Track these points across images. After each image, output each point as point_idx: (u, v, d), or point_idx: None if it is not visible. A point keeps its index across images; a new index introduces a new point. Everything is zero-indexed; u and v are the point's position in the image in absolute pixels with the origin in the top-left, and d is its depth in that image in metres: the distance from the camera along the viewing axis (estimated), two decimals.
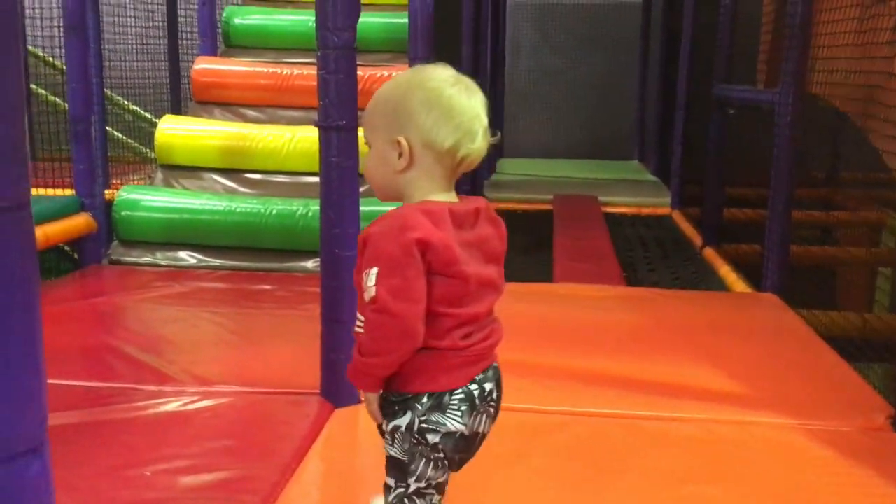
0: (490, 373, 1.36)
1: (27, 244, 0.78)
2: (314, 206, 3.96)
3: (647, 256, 4.68)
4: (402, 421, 1.32)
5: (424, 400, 1.31)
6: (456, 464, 1.36)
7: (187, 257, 3.98)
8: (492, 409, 1.36)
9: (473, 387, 1.32)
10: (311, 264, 3.94)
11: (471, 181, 5.66)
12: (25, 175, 0.77)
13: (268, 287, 3.64)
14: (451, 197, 1.35)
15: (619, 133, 9.33)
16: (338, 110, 2.25)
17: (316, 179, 4.09)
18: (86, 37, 3.68)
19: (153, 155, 7.85)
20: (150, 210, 4.03)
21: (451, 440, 1.31)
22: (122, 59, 7.32)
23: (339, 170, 2.28)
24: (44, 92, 7.50)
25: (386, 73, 4.71)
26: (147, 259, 3.97)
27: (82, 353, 2.84)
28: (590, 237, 4.91)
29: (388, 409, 1.35)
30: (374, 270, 1.26)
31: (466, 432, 1.31)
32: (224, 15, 5.37)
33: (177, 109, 6.19)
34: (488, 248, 1.37)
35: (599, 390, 2.50)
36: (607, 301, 3.52)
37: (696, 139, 5.87)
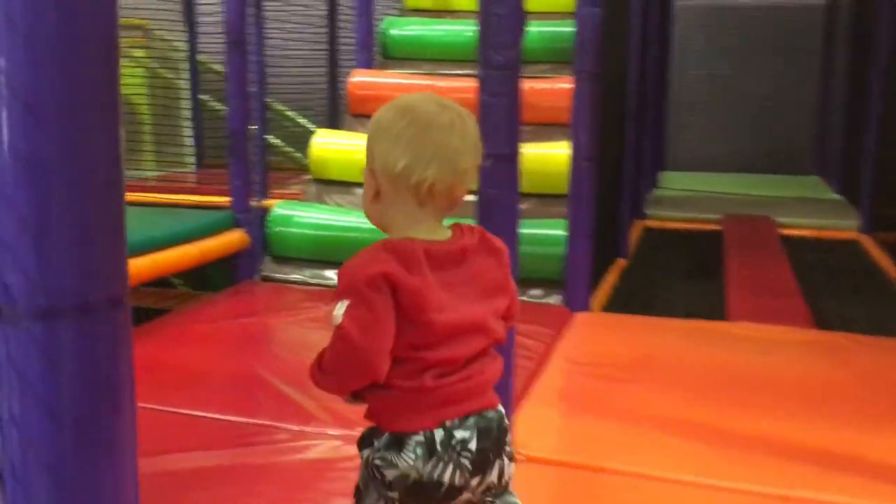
0: (470, 421, 1.27)
1: None
2: None
3: (833, 290, 4.16)
4: (364, 452, 1.31)
5: (384, 437, 1.27)
6: None
7: (334, 276, 3.88)
8: (465, 461, 1.26)
9: (439, 433, 1.25)
10: None
11: (631, 197, 5.30)
12: None
13: None
14: (434, 233, 1.28)
15: (796, 146, 8.60)
16: (498, 137, 2.01)
17: (470, 198, 3.94)
18: (244, 51, 3.65)
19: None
20: (302, 226, 3.97)
21: (403, 483, 1.25)
22: (285, 70, 7.47)
23: (497, 203, 2.04)
24: (217, 104, 7.80)
25: (546, 86, 4.46)
26: (297, 276, 3.91)
27: (228, 380, 2.77)
28: (767, 265, 4.43)
29: (362, 436, 1.33)
30: (345, 303, 1.21)
31: (423, 479, 1.24)
32: (381, 26, 5.29)
33: (335, 122, 6.20)
34: (485, 283, 1.31)
35: (789, 466, 2.13)
36: (793, 347, 3.10)
37: (891, 155, 5.23)
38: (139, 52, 8.66)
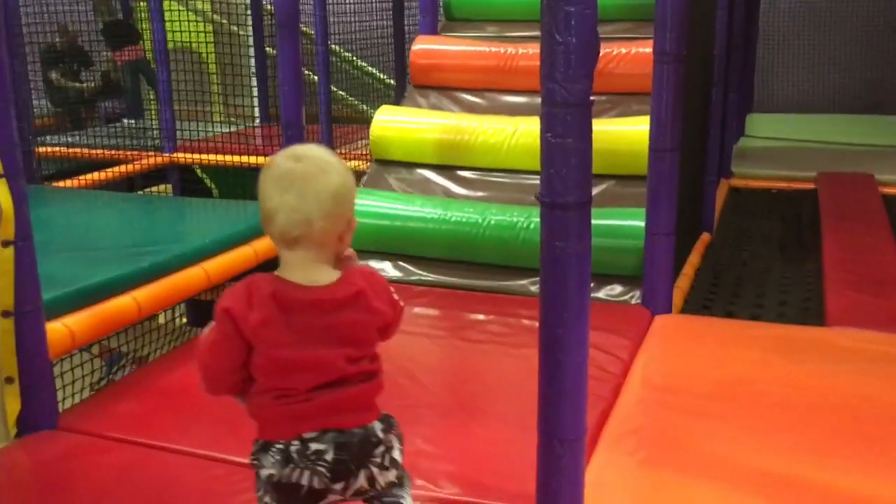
0: (328, 436, 1.46)
1: None
2: (535, 218, 3.49)
3: None
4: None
5: (257, 443, 1.51)
6: None
7: (392, 269, 3.68)
8: (322, 469, 1.45)
9: (295, 444, 1.46)
10: (531, 285, 3.50)
11: (719, 149, 4.88)
12: None
13: (481, 317, 3.23)
14: (310, 275, 1.47)
15: None
16: (565, 183, 1.74)
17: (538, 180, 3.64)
18: (295, 34, 3.39)
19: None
20: (359, 215, 3.74)
21: (269, 481, 1.48)
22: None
23: (564, 257, 1.77)
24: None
25: (624, 51, 4.07)
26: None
27: None
28: (873, 245, 4.02)
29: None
30: (211, 324, 1.48)
31: (282, 480, 1.46)
32: None
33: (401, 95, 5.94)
34: (343, 333, 1.48)
35: None
36: None
37: None
38: (203, 5, 8.49)
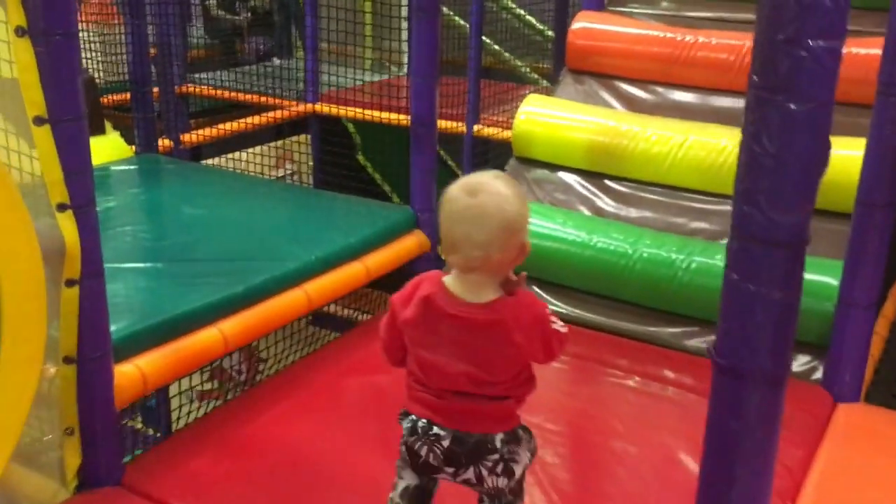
0: (444, 432, 1.62)
1: None
2: (697, 257, 2.92)
3: None
4: None
5: (404, 408, 1.69)
6: (411, 468, 1.69)
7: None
8: (437, 451, 1.63)
9: (423, 421, 1.64)
10: (684, 337, 2.95)
11: None
12: None
13: (618, 373, 2.74)
14: (466, 292, 1.56)
15: None
16: (752, 348, 1.22)
17: (709, 205, 3.04)
18: (434, 24, 2.92)
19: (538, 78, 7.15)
20: None
21: (403, 441, 1.68)
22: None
23: (738, 440, 1.26)
24: None
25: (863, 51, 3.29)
26: None
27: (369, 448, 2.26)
28: None
29: None
30: None
31: (408, 444, 1.66)
32: None
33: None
34: (468, 353, 1.58)
35: None
36: None
37: None
38: None
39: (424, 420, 1.62)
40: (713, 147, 3.21)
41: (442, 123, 5.23)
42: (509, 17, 7.70)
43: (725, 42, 3.54)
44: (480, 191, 1.51)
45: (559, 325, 1.62)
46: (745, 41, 3.48)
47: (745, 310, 1.19)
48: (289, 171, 6.45)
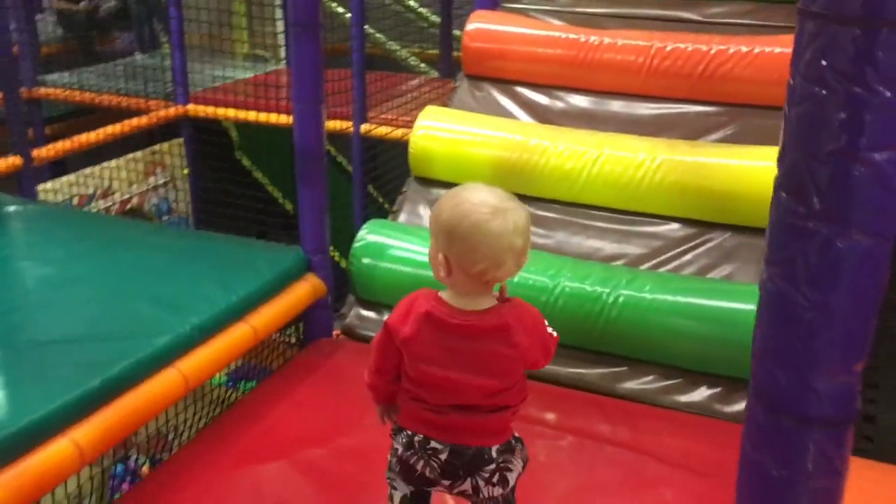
0: (442, 446, 1.63)
1: None
2: (625, 290, 2.65)
3: None
4: None
5: (397, 424, 1.71)
6: (405, 479, 1.69)
7: None
8: (434, 464, 1.64)
9: (419, 436, 1.65)
10: (614, 379, 2.69)
11: None
12: None
13: (547, 431, 2.44)
14: (468, 302, 1.57)
15: None
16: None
17: (630, 226, 2.78)
18: (315, 41, 2.52)
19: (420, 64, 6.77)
20: (388, 260, 2.94)
21: (395, 455, 1.69)
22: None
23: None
24: None
25: (745, 49, 3.11)
26: None
27: None
28: None
29: None
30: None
31: (403, 459, 1.67)
32: None
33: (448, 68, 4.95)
34: (482, 361, 1.58)
35: None
36: None
37: None
38: None
39: (421, 435, 1.64)
40: (630, 162, 2.95)
41: (328, 124, 4.82)
42: (391, 3, 7.28)
43: (632, 43, 3.27)
44: (501, 205, 1.52)
45: (551, 329, 1.67)
46: (652, 41, 3.24)
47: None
48: (161, 181, 5.89)
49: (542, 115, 3.38)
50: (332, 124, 4.67)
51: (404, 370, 1.63)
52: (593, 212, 3.04)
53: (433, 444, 1.62)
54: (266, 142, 6.15)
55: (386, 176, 5.87)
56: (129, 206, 5.64)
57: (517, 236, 1.52)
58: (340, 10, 6.60)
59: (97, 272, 2.63)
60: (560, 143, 3.07)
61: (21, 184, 4.90)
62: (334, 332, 3.01)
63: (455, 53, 6.63)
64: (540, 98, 3.43)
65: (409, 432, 1.65)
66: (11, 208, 3.19)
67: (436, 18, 6.72)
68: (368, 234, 2.99)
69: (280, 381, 2.66)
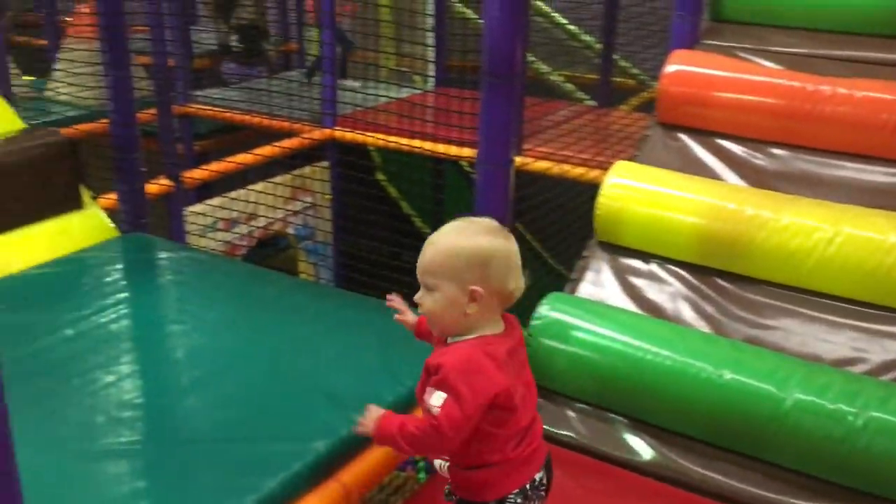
0: (542, 471, 1.66)
1: None
2: (878, 412, 2.12)
3: None
4: None
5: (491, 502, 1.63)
6: None
7: (637, 446, 2.42)
8: (542, 493, 1.66)
9: (527, 484, 1.62)
10: None
11: None
12: None
13: None
14: (498, 327, 1.63)
15: None
16: None
17: (873, 323, 2.28)
18: (510, 94, 2.13)
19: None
20: (582, 345, 2.51)
21: None
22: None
23: None
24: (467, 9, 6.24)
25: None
26: (567, 432, 2.51)
27: None
28: None
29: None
30: (442, 396, 1.52)
31: None
32: None
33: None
34: (521, 357, 1.67)
35: None
36: None
37: None
38: None
39: (534, 479, 1.64)
40: (877, 245, 2.42)
41: (463, 151, 4.44)
42: (541, 20, 6.86)
43: (874, 95, 2.73)
44: (504, 233, 1.62)
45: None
46: None
47: None
48: (304, 206, 5.71)
49: (753, 176, 2.88)
50: (469, 152, 4.31)
51: (490, 421, 1.56)
52: (825, 301, 2.51)
53: (537, 476, 1.65)
54: (406, 163, 5.90)
55: (534, 211, 5.45)
56: (271, 231, 5.48)
57: (518, 270, 1.63)
58: None
59: (249, 346, 2.34)
60: (784, 215, 2.56)
61: (170, 206, 4.81)
62: None
63: (615, 80, 6.19)
64: (750, 155, 2.93)
65: (520, 489, 1.62)
66: (163, 255, 2.98)
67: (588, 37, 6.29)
68: (550, 311, 2.58)
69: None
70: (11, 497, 1.16)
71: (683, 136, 3.05)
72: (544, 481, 1.66)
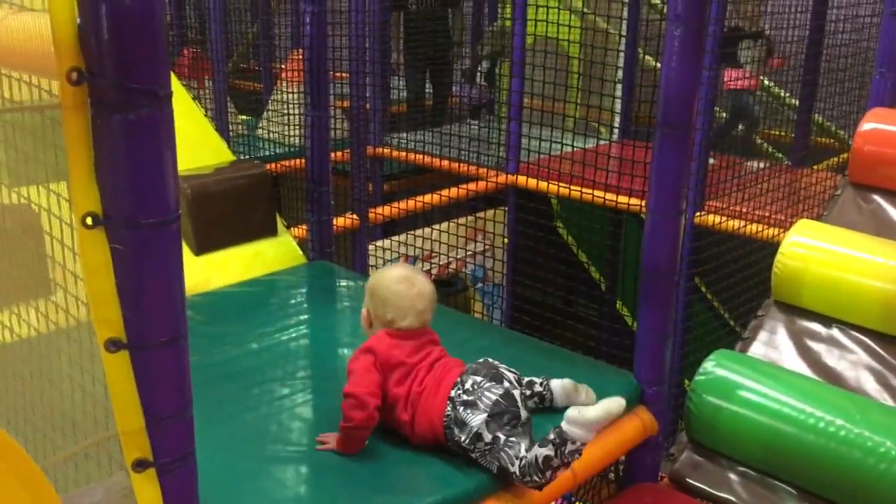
0: None
1: None
2: None
3: None
4: None
5: None
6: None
7: None
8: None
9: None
10: None
11: None
12: None
13: None
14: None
15: None
16: None
17: None
18: (684, 145, 2.13)
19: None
20: (747, 406, 2.41)
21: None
22: None
23: None
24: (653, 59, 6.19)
25: None
26: (727, 495, 2.41)
27: None
28: None
29: None
30: None
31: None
32: None
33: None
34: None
35: None
36: None
37: None
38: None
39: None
40: None
41: (642, 203, 4.33)
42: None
43: None
44: (415, 276, 2.16)
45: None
46: None
47: None
48: (480, 248, 5.86)
49: None
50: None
51: None
52: None
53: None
54: (585, 212, 5.89)
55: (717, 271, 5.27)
56: (447, 271, 5.66)
57: (420, 300, 2.10)
58: None
59: None
60: None
61: (355, 241, 5.11)
62: (660, 474, 2.56)
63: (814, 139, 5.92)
64: None
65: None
66: (343, 282, 3.18)
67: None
68: (716, 368, 2.50)
69: None
70: (189, 475, 1.30)
71: (877, 198, 2.89)
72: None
